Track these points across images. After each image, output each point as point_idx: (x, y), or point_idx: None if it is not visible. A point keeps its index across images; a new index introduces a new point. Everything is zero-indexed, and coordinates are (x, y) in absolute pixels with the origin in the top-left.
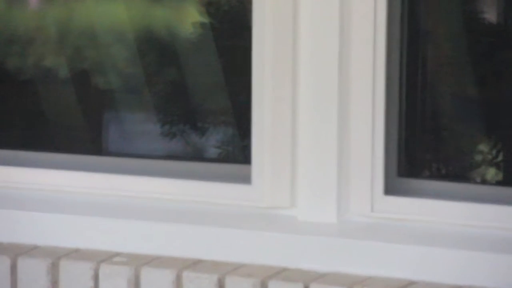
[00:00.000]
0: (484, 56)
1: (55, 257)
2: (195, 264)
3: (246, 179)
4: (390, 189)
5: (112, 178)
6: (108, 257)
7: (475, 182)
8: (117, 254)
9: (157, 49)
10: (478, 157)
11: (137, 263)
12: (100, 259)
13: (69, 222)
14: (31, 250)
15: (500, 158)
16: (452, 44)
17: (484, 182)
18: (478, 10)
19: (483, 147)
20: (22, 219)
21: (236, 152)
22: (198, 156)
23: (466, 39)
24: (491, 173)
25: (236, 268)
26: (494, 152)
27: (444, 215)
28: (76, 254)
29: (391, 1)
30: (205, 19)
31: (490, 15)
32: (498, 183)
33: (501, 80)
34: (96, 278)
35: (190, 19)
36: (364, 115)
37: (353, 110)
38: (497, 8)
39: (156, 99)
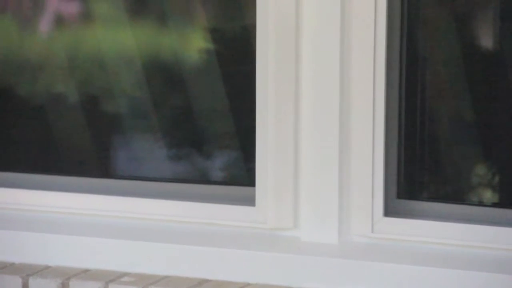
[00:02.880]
0: (481, 81)
1: (66, 277)
2: (201, 284)
3: (250, 201)
4: (389, 211)
5: (120, 200)
6: (116, 277)
7: (473, 204)
8: (125, 274)
9: (164, 75)
10: (475, 179)
11: (145, 282)
12: (109, 279)
13: (79, 243)
14: (42, 270)
15: (496, 180)
16: (450, 69)
17: (481, 203)
18: (475, 36)
19: (480, 169)
20: (34, 240)
21: (241, 174)
22: (203, 178)
23: (464, 64)
24: (488, 194)
25: None
26: (490, 174)
27: (443, 236)
28: (85, 274)
29: (390, 28)
30: (210, 46)
31: (487, 41)
32: (495, 205)
33: (498, 105)
34: None
35: (195, 46)
36: (364, 139)
37: (354, 134)
38: (494, 34)
39: (163, 123)
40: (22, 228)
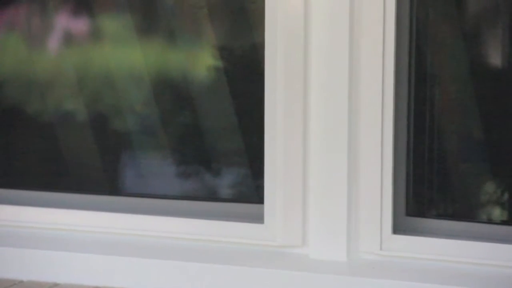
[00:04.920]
0: (490, 99)
1: None
2: None
3: (259, 218)
4: (398, 228)
5: (129, 218)
6: None
7: (481, 221)
8: None
9: (172, 93)
10: (484, 197)
11: None
12: None
13: (87, 261)
14: None
15: (505, 197)
16: (459, 87)
17: (490, 221)
18: (484, 53)
19: (488, 187)
20: (42, 258)
21: (249, 192)
22: (212, 196)
23: (472, 81)
24: (497, 212)
25: None
26: (499, 192)
27: (451, 253)
28: None
29: (399, 46)
30: (219, 64)
31: (496, 58)
32: (504, 222)
33: (506, 122)
34: None
35: (204, 64)
36: (373, 157)
37: (363, 152)
38: (502, 52)
39: (171, 140)
40: (30, 246)
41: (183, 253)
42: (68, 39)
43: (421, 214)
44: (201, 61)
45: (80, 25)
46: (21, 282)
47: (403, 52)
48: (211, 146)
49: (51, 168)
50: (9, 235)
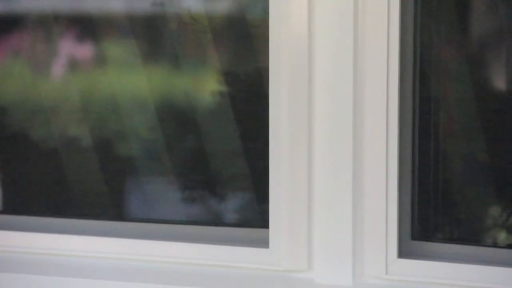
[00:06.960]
0: (495, 122)
1: None
2: None
3: (264, 243)
4: (404, 252)
5: (134, 243)
6: None
7: (487, 245)
8: None
9: (177, 117)
10: (490, 221)
11: None
12: None
13: (93, 286)
14: None
15: (511, 221)
16: (464, 110)
17: (496, 245)
18: (488, 77)
19: (494, 210)
20: (49, 284)
21: (254, 216)
22: (217, 221)
23: (477, 104)
24: (503, 236)
25: None
26: (505, 215)
27: (458, 277)
28: None
29: (403, 69)
30: (223, 88)
31: (501, 81)
32: (510, 246)
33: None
34: None
35: (209, 88)
36: (378, 180)
37: (367, 176)
38: (507, 75)
39: (176, 165)
40: (37, 272)
41: (188, 278)
42: (72, 65)
43: (427, 238)
44: (205, 86)
45: (84, 51)
46: None
47: (407, 76)
48: (215, 170)
49: (57, 194)
50: (16, 261)
